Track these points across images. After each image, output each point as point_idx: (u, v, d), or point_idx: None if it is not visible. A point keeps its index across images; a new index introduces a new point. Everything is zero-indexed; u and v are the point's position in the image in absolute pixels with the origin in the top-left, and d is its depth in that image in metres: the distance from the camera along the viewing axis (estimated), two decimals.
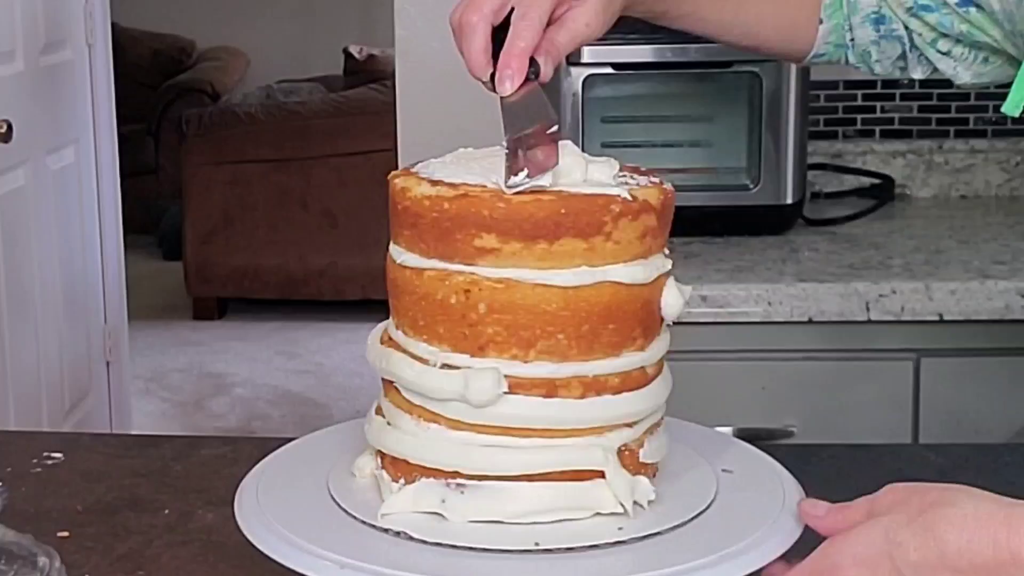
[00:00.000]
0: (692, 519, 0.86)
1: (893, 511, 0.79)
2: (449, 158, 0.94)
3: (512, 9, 0.99)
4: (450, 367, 0.85)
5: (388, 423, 0.89)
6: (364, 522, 0.86)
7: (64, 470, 1.24)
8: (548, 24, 1.00)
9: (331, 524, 0.86)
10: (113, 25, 3.79)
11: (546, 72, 0.98)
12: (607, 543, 0.83)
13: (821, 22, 1.26)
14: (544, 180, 0.85)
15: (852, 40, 1.27)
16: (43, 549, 0.95)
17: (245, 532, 0.86)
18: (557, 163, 0.87)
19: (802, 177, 2.05)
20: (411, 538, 0.84)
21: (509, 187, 0.85)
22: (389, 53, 5.25)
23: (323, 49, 6.60)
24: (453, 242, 0.84)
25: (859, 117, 2.37)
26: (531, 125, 0.90)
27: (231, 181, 5.14)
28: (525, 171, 0.85)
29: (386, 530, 0.85)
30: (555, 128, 0.90)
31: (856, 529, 0.80)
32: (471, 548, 0.82)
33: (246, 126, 5.25)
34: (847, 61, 1.29)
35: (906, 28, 1.26)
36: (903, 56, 1.28)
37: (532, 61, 0.97)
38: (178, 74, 6.62)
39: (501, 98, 0.95)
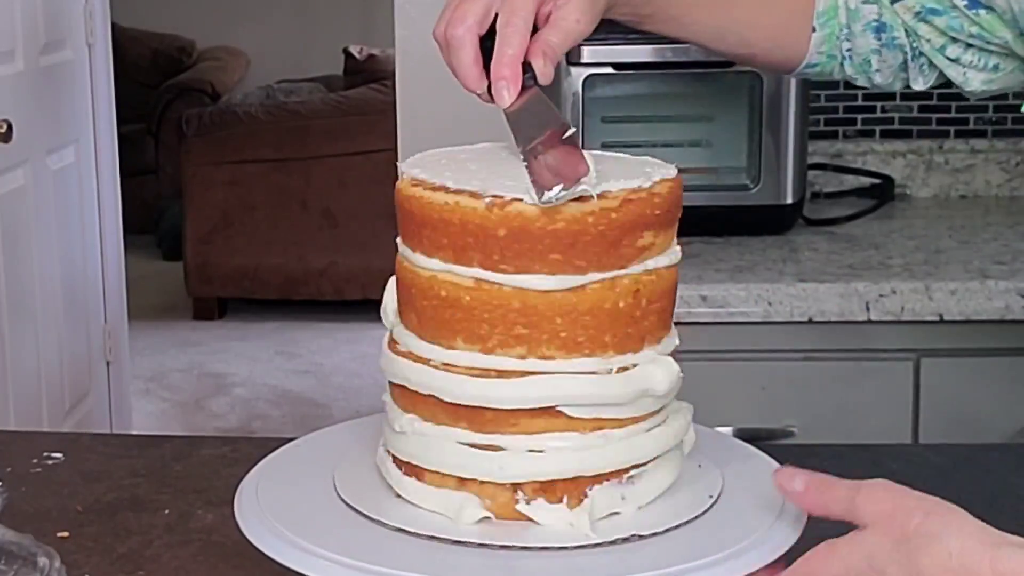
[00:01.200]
0: (691, 520, 0.86)
1: (876, 527, 0.77)
2: (444, 159, 0.92)
3: (496, 16, 0.96)
4: (624, 369, 0.86)
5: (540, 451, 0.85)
6: (366, 518, 0.86)
7: (64, 470, 1.24)
8: (537, 27, 0.97)
9: (331, 524, 0.86)
10: (113, 25, 3.79)
11: (545, 73, 0.95)
12: (607, 542, 0.83)
13: (814, 30, 1.24)
14: (583, 188, 0.82)
15: (850, 50, 1.25)
16: (43, 549, 0.95)
17: (245, 532, 0.86)
18: (589, 169, 0.83)
19: (802, 177, 2.05)
20: (412, 536, 0.83)
21: (544, 202, 0.81)
22: (389, 53, 5.25)
23: (323, 49, 6.60)
24: (618, 248, 0.84)
25: (859, 117, 2.37)
26: (541, 132, 0.88)
27: (231, 181, 5.14)
28: (560, 184, 0.81)
29: (387, 528, 0.84)
30: (571, 132, 0.87)
31: (838, 547, 0.78)
32: (474, 545, 0.82)
33: (246, 126, 5.24)
34: (843, 72, 1.27)
35: (912, 35, 1.24)
36: (904, 65, 1.26)
37: (528, 67, 0.94)
38: (178, 74, 6.62)
39: (504, 110, 0.92)
